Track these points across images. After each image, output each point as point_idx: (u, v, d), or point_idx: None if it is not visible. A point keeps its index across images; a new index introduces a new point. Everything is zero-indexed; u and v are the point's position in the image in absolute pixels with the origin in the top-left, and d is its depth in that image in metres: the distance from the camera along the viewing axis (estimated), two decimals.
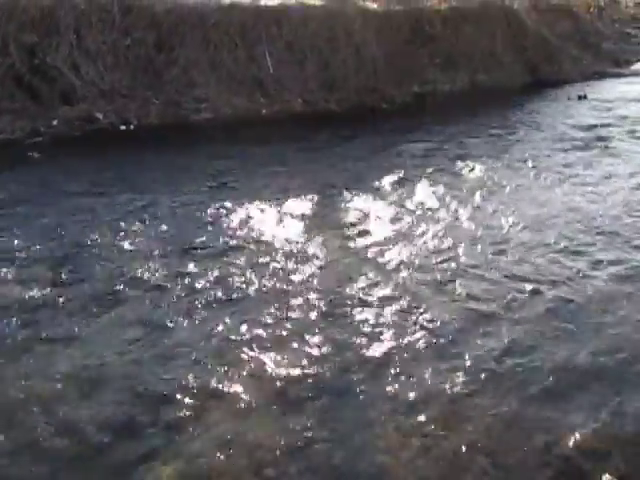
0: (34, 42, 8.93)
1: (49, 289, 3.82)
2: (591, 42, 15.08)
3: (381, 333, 3.27)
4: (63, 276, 4.05)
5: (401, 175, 6.29)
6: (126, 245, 4.56)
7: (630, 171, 6.47)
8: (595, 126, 8.69)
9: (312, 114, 9.45)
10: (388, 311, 3.48)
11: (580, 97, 11.15)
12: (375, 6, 10.59)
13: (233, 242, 4.58)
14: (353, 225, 4.95)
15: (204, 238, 4.63)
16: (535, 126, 8.92)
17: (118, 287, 3.82)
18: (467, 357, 3.05)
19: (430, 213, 5.20)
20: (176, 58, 9.25)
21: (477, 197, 5.60)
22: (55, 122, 8.88)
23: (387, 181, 6.12)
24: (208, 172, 6.65)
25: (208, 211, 5.26)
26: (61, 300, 3.68)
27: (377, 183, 6.06)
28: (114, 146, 8.16)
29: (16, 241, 4.64)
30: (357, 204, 5.47)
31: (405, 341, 3.19)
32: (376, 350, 3.13)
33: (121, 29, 9.10)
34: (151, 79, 9.23)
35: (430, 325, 3.34)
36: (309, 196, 5.65)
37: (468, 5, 11.51)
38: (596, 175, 6.32)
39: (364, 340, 3.21)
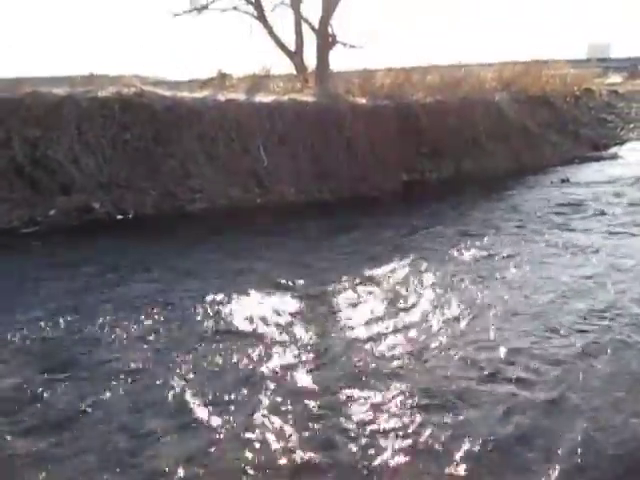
0: (37, 136, 9.29)
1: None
2: (570, 129, 15.83)
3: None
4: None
5: (387, 262, 6.39)
6: (117, 337, 4.57)
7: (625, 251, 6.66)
8: (578, 206, 9.04)
9: (305, 203, 9.73)
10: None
11: (563, 180, 11.56)
12: (364, 101, 11.17)
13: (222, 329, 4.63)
14: (346, 316, 4.98)
15: (194, 328, 4.66)
16: (520, 209, 9.20)
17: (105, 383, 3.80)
18: None
19: (425, 300, 5.26)
20: (173, 151, 9.61)
21: (466, 282, 5.68)
22: (52, 212, 9.08)
23: (377, 269, 6.20)
24: (200, 263, 6.75)
25: (200, 300, 5.29)
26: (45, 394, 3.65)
27: (369, 271, 6.14)
28: (109, 236, 8.28)
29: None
30: (348, 295, 5.52)
31: None
32: None
33: (121, 124, 9.50)
34: (148, 171, 9.53)
35: None
36: (299, 286, 5.72)
37: (452, 99, 12.15)
38: (590, 259, 6.42)
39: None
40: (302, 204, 9.73)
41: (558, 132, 15.13)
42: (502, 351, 4.25)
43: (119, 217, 9.08)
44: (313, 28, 14.87)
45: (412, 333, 4.61)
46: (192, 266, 6.58)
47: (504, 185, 11.37)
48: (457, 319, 4.84)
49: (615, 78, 24.44)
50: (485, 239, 7.33)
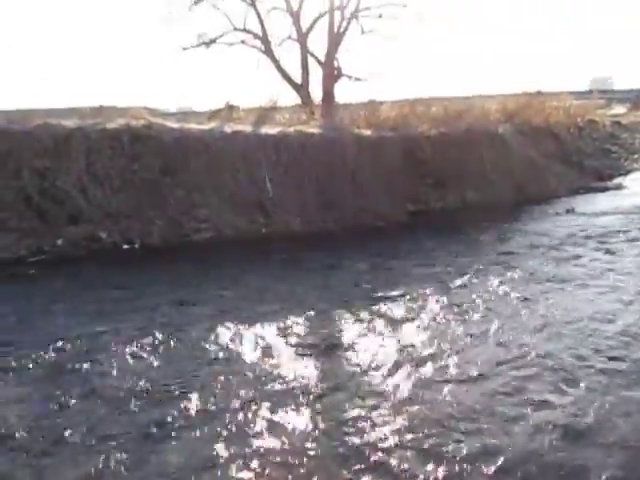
0: (46, 167, 9.43)
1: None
2: (574, 159, 15.91)
3: None
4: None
5: (398, 293, 6.36)
6: (118, 365, 4.55)
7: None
8: (584, 237, 8.98)
9: (310, 234, 9.76)
10: None
11: (568, 211, 11.55)
12: (369, 133, 11.31)
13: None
14: (348, 345, 4.94)
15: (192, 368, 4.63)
16: (527, 239, 9.18)
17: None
18: None
19: (433, 329, 5.23)
20: (180, 181, 9.72)
21: (475, 313, 5.64)
22: (60, 241, 9.15)
23: (383, 300, 6.16)
24: (203, 291, 6.76)
25: (204, 335, 5.27)
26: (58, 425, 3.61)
27: (373, 302, 6.11)
28: (115, 266, 8.33)
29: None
30: (353, 325, 5.49)
31: None
32: None
33: (129, 155, 9.64)
34: (155, 201, 9.62)
35: None
36: (302, 317, 5.70)
37: (456, 130, 12.28)
38: (595, 289, 6.36)
39: None
40: (307, 234, 9.77)
41: (562, 163, 15.21)
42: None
43: (125, 246, 9.14)
44: (319, 62, 15.18)
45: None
46: (196, 296, 6.58)
47: (509, 215, 11.38)
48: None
49: (618, 109, 24.64)
50: (494, 270, 7.29)
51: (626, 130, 19.72)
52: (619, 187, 14.63)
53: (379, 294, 6.39)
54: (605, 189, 14.39)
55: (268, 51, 15.47)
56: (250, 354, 4.91)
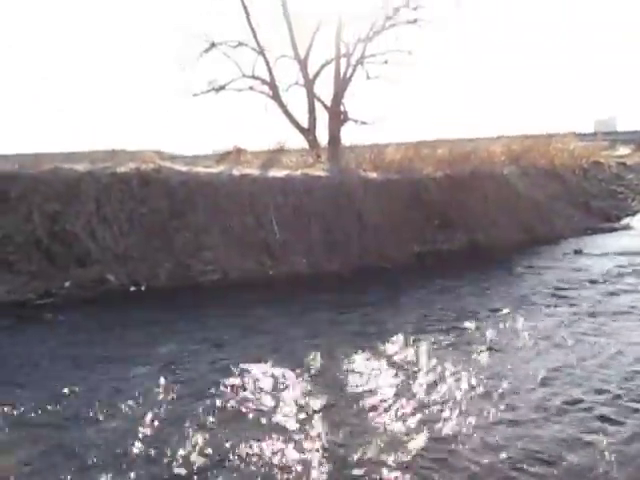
0: (56, 210, 9.58)
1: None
2: (580, 200, 15.93)
3: None
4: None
5: (402, 335, 6.28)
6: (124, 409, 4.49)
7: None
8: (593, 279, 8.85)
9: (317, 275, 9.75)
10: None
11: (576, 252, 11.49)
12: (375, 175, 11.45)
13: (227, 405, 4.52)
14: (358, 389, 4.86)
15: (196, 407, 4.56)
16: (535, 281, 9.08)
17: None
18: None
19: (442, 374, 5.14)
20: (188, 224, 9.82)
21: (488, 357, 5.55)
22: (68, 284, 9.21)
23: (388, 343, 6.09)
24: (209, 333, 6.73)
25: (205, 377, 5.22)
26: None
27: (379, 345, 6.04)
28: (121, 308, 8.34)
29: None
30: (358, 370, 5.42)
31: None
32: None
33: (138, 199, 9.79)
34: (163, 243, 9.71)
35: None
36: (304, 360, 5.65)
37: (461, 172, 12.40)
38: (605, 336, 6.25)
39: None
40: (313, 276, 9.76)
41: (569, 204, 15.23)
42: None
43: (132, 289, 9.17)
44: (325, 106, 15.52)
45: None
46: (198, 338, 6.55)
47: (517, 257, 11.32)
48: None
49: (623, 150, 24.75)
50: (504, 314, 7.20)
51: (631, 171, 19.78)
52: (627, 228, 14.60)
53: (386, 337, 6.32)
54: (613, 230, 14.35)
55: (276, 96, 15.86)
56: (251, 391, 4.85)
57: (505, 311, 7.25)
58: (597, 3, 60.05)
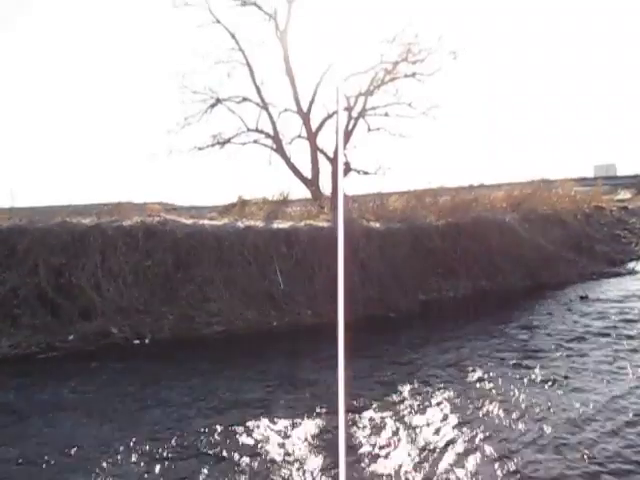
0: (62, 263, 9.66)
1: None
2: (584, 245, 15.92)
3: None
4: None
5: (407, 387, 6.22)
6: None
7: None
8: (604, 326, 8.77)
9: (321, 326, 9.67)
10: None
11: (582, 297, 11.41)
12: (378, 225, 11.56)
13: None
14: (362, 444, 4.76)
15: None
16: (541, 327, 9.00)
17: None
18: None
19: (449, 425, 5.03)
20: (192, 276, 9.87)
21: (497, 408, 5.44)
22: (71, 337, 9.17)
23: (393, 394, 6.01)
24: (206, 387, 6.68)
25: (201, 434, 5.13)
26: None
27: (384, 397, 5.95)
28: (123, 362, 8.24)
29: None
30: (365, 422, 5.32)
31: None
32: None
33: (144, 251, 9.88)
34: (167, 295, 9.73)
35: None
36: (307, 415, 5.56)
37: (464, 220, 12.50)
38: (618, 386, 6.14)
39: None
40: (318, 326, 9.69)
41: (572, 249, 15.22)
42: None
43: (136, 341, 9.12)
44: (328, 157, 15.82)
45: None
46: (199, 394, 6.48)
47: (522, 303, 11.27)
48: None
49: (624, 194, 24.94)
50: (510, 364, 7.12)
51: (634, 215, 19.88)
52: (632, 272, 14.51)
53: (391, 391, 6.24)
54: (618, 274, 14.27)
55: (279, 149, 16.20)
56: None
57: (511, 363, 7.15)
58: (594, 48, 61.83)
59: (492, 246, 12.60)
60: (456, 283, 11.90)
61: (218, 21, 15.86)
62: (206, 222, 10.74)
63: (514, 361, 7.20)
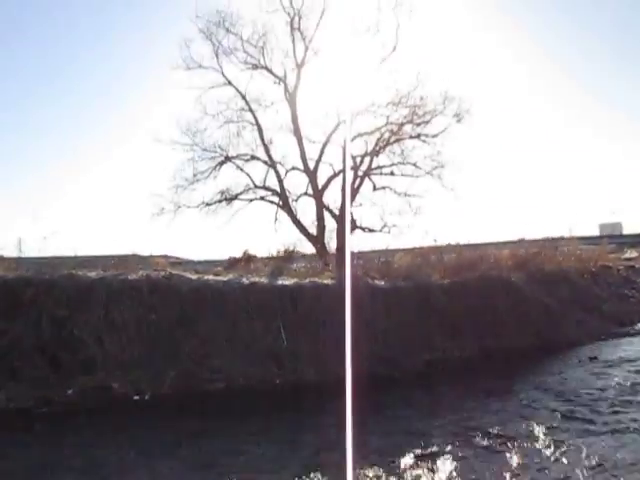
0: (65, 316, 9.64)
1: None
2: (591, 305, 15.74)
3: None
4: None
5: (412, 453, 6.03)
6: None
7: None
8: (615, 390, 8.53)
9: (324, 383, 9.49)
10: None
11: (591, 358, 11.20)
12: (383, 283, 11.54)
13: None
14: None
15: None
16: (550, 392, 8.75)
17: None
18: None
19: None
20: (195, 331, 9.81)
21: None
22: (70, 391, 9.03)
23: (398, 459, 5.82)
24: (201, 450, 6.50)
25: None
26: None
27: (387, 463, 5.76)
28: (120, 419, 8.09)
29: None
30: None
31: None
32: None
33: (147, 305, 9.88)
34: (170, 350, 9.64)
35: None
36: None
37: (469, 278, 12.46)
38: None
39: None
40: (321, 384, 9.52)
41: (580, 308, 15.05)
42: None
43: (136, 397, 8.98)
44: (334, 215, 16.01)
45: None
46: (196, 455, 6.31)
47: (529, 364, 11.05)
48: None
49: (630, 253, 24.87)
50: (526, 428, 6.91)
51: None
52: None
53: (394, 454, 6.07)
54: (627, 335, 14.04)
55: (285, 206, 16.43)
56: None
57: (516, 431, 6.90)
58: (600, 108, 63.23)
59: (498, 305, 12.49)
60: (462, 342, 11.72)
61: (229, 82, 16.47)
62: (211, 277, 10.77)
63: (521, 426, 7.00)
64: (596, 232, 33.50)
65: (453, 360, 11.26)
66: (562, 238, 19.80)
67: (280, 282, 10.86)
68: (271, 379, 9.64)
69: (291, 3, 15.88)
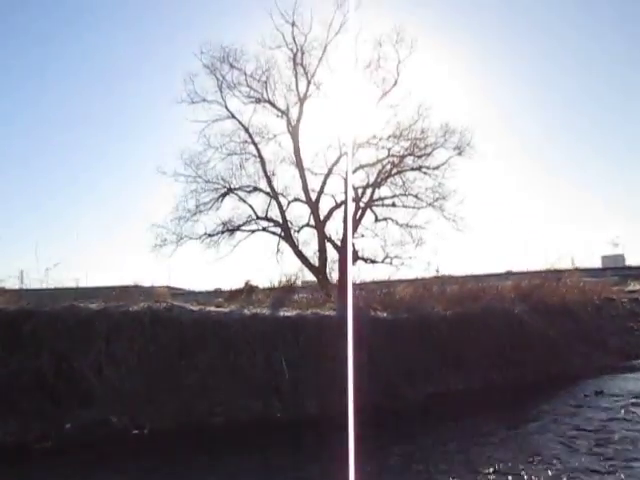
0: (66, 348, 9.56)
1: None
2: (595, 338, 15.57)
3: None
4: None
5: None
6: None
7: None
8: (626, 425, 8.38)
9: (327, 418, 9.34)
10: None
11: (597, 393, 11.04)
12: (385, 314, 11.46)
13: None
14: None
15: None
16: (555, 427, 8.60)
17: None
18: None
19: None
20: (196, 363, 9.72)
21: None
22: (68, 425, 8.91)
23: None
24: None
25: None
26: None
27: None
28: (117, 456, 7.96)
29: None
30: None
31: None
32: None
33: (148, 336, 9.81)
34: (170, 383, 9.54)
35: None
36: None
37: (472, 310, 12.38)
38: None
39: None
40: (323, 418, 9.37)
41: (585, 341, 14.89)
42: None
43: (135, 432, 8.86)
44: (336, 246, 16.01)
45: None
46: None
47: (534, 397, 10.89)
48: None
49: (634, 286, 24.71)
50: (531, 465, 6.76)
51: None
52: None
53: None
54: (633, 368, 13.87)
55: (287, 237, 16.46)
56: None
57: (521, 468, 6.74)
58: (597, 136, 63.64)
59: (502, 338, 12.38)
60: (465, 375, 11.58)
61: (233, 116, 16.72)
62: (212, 309, 10.73)
63: (527, 463, 6.85)
64: (598, 264, 33.33)
65: (456, 393, 11.11)
66: (564, 270, 19.70)
67: (282, 313, 10.81)
68: (272, 413, 9.52)
69: (294, 39, 16.25)
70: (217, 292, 17.65)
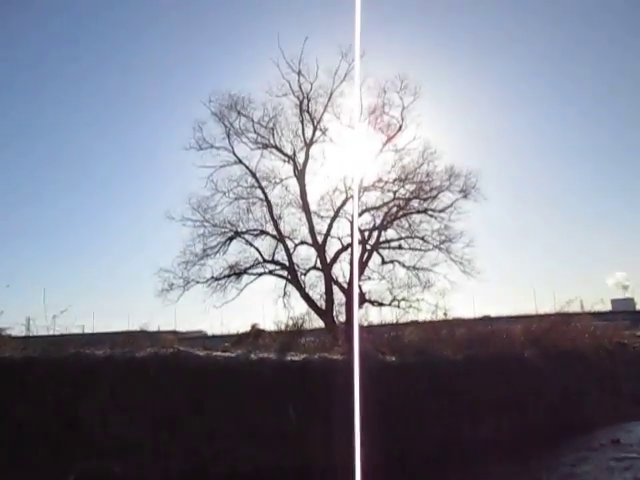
0: (71, 396, 9.44)
1: None
2: (608, 384, 15.21)
3: None
4: None
5: None
6: None
7: None
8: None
9: (334, 467, 9.07)
10: None
11: (613, 441, 10.75)
12: (393, 359, 11.26)
13: None
14: None
15: None
16: (568, 477, 8.33)
17: None
18: None
19: None
20: (202, 410, 9.54)
21: None
22: (72, 478, 8.68)
23: None
24: None
25: None
26: None
27: None
28: None
29: None
30: None
31: None
32: None
33: (154, 383, 9.65)
34: (175, 430, 9.38)
35: None
36: None
37: (482, 354, 12.15)
38: None
39: None
40: (330, 467, 9.10)
41: (597, 387, 14.55)
42: None
43: None
44: (342, 289, 15.96)
45: None
46: None
47: (548, 446, 10.57)
48: None
49: None
50: None
51: None
52: None
53: None
54: None
55: (294, 280, 16.44)
56: None
57: None
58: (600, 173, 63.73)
59: (513, 383, 12.09)
60: (476, 422, 11.27)
61: (240, 161, 17.00)
62: (219, 354, 10.59)
63: None
64: (608, 307, 32.95)
65: (468, 441, 10.78)
66: (574, 313, 19.45)
67: (289, 358, 10.64)
68: (278, 462, 9.25)
69: (300, 87, 16.69)
70: (225, 336, 17.52)
